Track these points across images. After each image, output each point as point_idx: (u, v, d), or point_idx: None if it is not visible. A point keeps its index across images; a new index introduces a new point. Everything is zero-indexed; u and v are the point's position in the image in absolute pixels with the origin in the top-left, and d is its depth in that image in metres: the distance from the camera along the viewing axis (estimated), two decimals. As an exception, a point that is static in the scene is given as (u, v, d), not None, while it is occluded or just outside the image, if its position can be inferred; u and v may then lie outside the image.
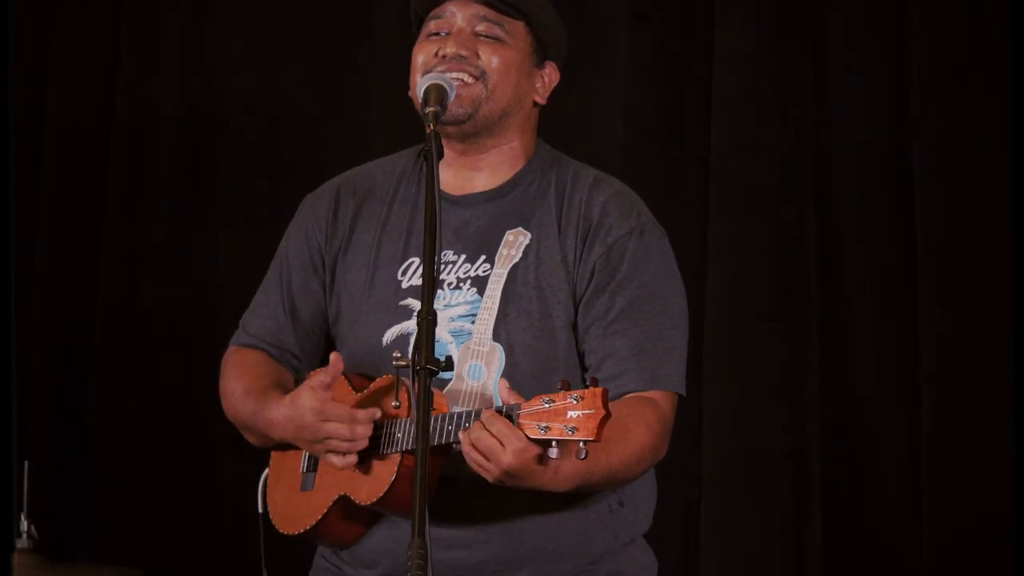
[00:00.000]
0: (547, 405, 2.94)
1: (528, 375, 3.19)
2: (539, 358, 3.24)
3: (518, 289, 3.27)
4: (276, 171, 4.93)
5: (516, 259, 3.29)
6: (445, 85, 3.19)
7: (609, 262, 3.27)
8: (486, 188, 3.36)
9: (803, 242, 4.48)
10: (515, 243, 3.30)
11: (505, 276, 3.27)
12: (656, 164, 4.61)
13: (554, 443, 2.94)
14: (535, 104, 3.38)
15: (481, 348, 3.24)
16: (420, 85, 3.21)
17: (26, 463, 4.09)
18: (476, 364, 3.24)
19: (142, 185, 5.01)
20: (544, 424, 2.94)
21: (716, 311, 4.49)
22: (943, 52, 4.38)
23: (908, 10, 4.41)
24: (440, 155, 3.04)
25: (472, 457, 3.00)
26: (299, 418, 3.23)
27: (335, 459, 3.21)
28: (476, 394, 3.22)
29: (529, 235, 3.31)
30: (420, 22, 3.38)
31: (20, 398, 4.87)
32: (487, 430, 2.97)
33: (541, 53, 3.37)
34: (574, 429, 2.91)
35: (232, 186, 4.99)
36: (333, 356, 3.24)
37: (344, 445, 3.18)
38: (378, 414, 3.19)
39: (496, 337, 3.24)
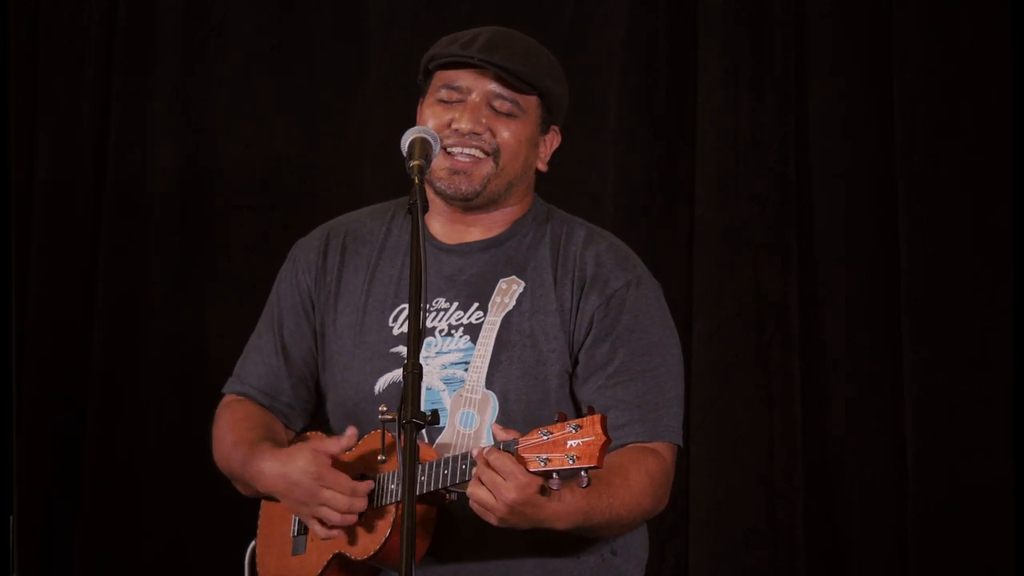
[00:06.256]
0: (545, 437, 2.93)
1: (521, 423, 3.16)
2: (532, 406, 3.23)
3: (512, 337, 3.26)
4: (268, 229, 4.93)
5: (510, 307, 3.28)
6: (429, 139, 3.14)
7: (608, 313, 3.26)
8: (481, 238, 3.36)
9: (786, 293, 4.50)
10: (508, 291, 3.30)
11: (499, 324, 3.27)
12: (644, 218, 4.64)
13: (555, 474, 2.93)
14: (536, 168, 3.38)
15: (474, 396, 3.24)
16: (405, 139, 3.15)
17: (11, 518, 4.08)
18: (468, 412, 3.24)
19: (134, 245, 5.02)
20: (544, 456, 2.93)
21: (702, 361, 4.50)
22: (927, 103, 4.39)
23: (891, 62, 4.43)
24: (425, 208, 3.02)
25: (477, 496, 2.98)
26: (293, 476, 3.20)
27: (318, 528, 3.19)
28: (468, 442, 3.22)
29: (523, 283, 3.30)
30: (427, 73, 3.35)
31: (7, 452, 4.88)
32: (489, 465, 2.96)
33: (548, 121, 3.36)
34: (575, 458, 2.90)
35: (224, 245, 5.00)
36: (351, 430, 3.20)
37: (336, 517, 3.16)
38: (372, 486, 3.18)
39: (489, 385, 3.24)
